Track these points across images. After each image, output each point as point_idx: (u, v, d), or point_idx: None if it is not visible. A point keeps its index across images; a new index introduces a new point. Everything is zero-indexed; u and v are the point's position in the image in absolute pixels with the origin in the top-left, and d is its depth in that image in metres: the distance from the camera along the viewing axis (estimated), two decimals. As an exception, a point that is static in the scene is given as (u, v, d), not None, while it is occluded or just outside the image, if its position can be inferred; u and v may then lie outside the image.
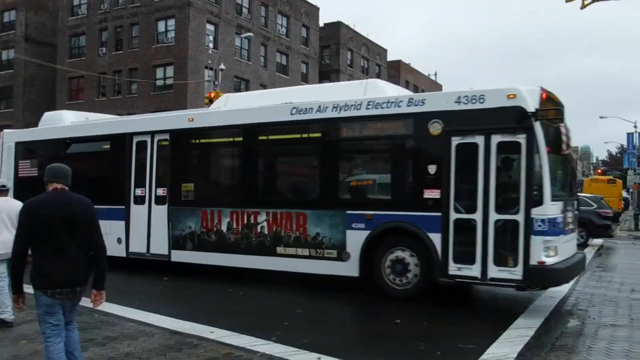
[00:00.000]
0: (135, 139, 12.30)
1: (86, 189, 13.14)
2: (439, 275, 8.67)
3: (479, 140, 8.49)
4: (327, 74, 54.90)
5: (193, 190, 11.53)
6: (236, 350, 6.17)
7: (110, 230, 11.81)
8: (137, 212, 12.10)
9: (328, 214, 9.77)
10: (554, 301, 9.21)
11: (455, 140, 8.70)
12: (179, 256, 11.46)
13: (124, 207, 12.21)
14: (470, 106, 8.64)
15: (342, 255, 9.54)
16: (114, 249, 11.66)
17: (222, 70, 34.08)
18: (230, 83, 40.63)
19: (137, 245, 12.06)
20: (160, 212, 11.75)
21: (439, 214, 8.67)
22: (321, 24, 54.60)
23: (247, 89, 43.80)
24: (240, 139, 11.16)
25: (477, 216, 8.41)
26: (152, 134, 12.10)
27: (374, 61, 61.42)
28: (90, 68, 42.75)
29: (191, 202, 11.45)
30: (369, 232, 9.32)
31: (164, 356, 5.97)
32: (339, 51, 55.57)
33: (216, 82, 32.54)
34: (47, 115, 15.07)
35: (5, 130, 15.26)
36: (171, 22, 40.29)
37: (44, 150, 13.99)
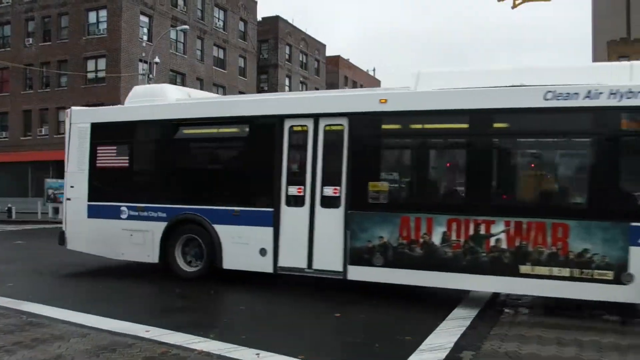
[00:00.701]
0: (288, 123, 9.87)
1: (207, 185, 10.92)
2: None
3: None
4: (266, 69, 54.67)
5: (387, 190, 9.19)
6: (172, 349, 6.02)
7: (249, 239, 9.82)
8: (292, 216, 9.68)
9: (602, 225, 7.90)
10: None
11: None
12: (360, 274, 9.13)
13: (270, 209, 9.76)
14: None
15: (622, 277, 7.75)
16: (254, 262, 9.84)
17: (156, 63, 33.36)
18: (165, 77, 39.74)
19: (292, 259, 9.59)
20: (330, 217, 9.38)
21: None
22: (259, 18, 54.23)
23: (182, 83, 43.01)
24: (465, 127, 8.95)
25: None
26: (316, 117, 9.68)
27: (312, 56, 61.56)
28: (16, 59, 40.88)
29: (384, 206, 9.09)
30: None
31: (97, 357, 5.75)
32: (277, 46, 55.35)
33: (151, 76, 31.84)
34: (140, 90, 12.00)
35: (73, 108, 12.04)
36: (103, 13, 38.95)
37: (138, 135, 11.24)
